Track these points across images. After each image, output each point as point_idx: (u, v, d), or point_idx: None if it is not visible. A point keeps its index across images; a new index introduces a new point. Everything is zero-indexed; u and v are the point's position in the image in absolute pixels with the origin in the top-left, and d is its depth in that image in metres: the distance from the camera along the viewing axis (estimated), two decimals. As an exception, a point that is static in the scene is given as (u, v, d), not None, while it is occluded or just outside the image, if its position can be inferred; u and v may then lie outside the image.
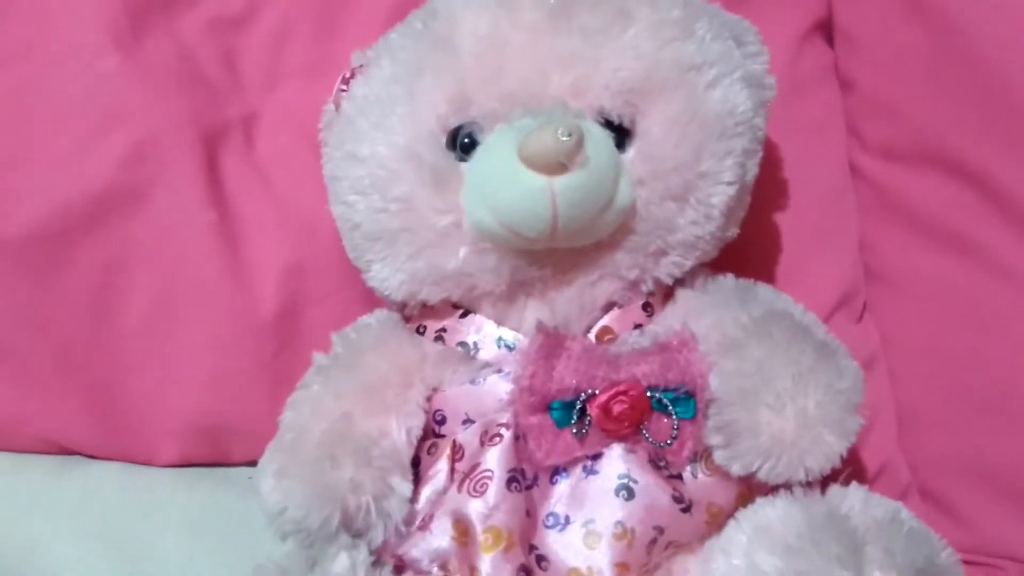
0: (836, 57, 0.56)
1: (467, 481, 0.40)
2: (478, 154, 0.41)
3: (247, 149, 0.53)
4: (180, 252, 0.51)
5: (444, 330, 0.44)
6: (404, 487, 0.41)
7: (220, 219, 0.51)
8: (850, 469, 0.40)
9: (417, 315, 0.45)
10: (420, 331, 0.45)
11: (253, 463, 0.50)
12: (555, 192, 0.38)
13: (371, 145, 0.42)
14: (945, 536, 0.52)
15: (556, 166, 0.37)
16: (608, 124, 0.41)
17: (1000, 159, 0.50)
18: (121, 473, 0.53)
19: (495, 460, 0.40)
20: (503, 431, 0.41)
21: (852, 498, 0.40)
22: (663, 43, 0.41)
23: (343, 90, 0.45)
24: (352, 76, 0.45)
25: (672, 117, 0.41)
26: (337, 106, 0.45)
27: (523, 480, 0.40)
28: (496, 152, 0.40)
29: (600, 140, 0.40)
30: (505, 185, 0.39)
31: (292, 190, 0.52)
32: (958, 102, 0.50)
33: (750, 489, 0.41)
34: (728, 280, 0.46)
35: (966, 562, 0.51)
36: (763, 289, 0.46)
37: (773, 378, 0.38)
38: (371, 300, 0.49)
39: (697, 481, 0.40)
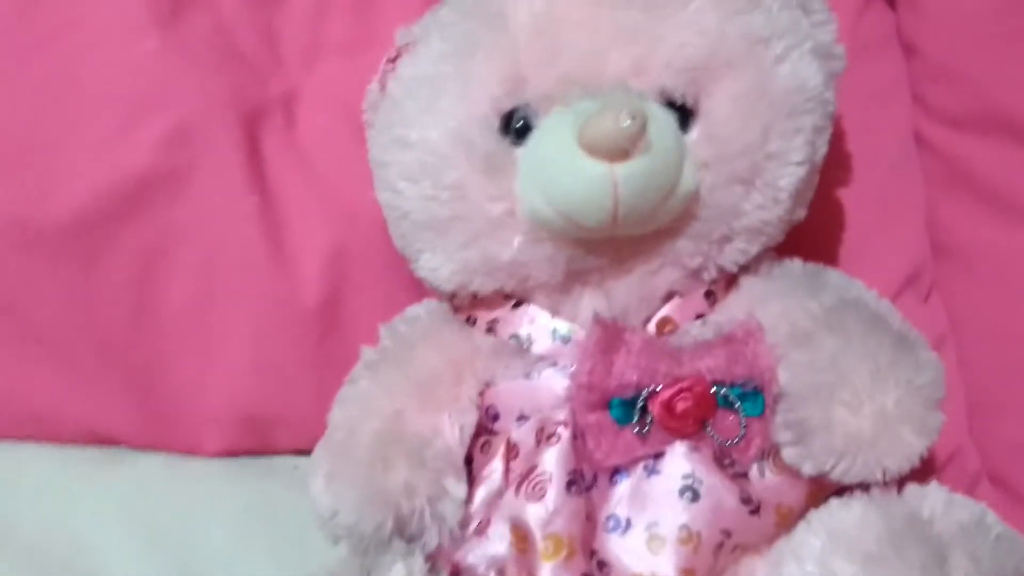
0: (898, 20, 0.54)
1: (524, 484, 0.39)
2: (534, 139, 0.39)
3: (288, 129, 0.51)
4: (222, 236, 0.50)
5: (496, 321, 0.42)
6: (459, 489, 0.40)
7: (263, 202, 0.50)
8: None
9: (467, 305, 0.44)
10: (471, 322, 0.44)
11: (299, 452, 0.51)
12: (617, 180, 0.36)
13: (421, 129, 0.40)
14: (1018, 525, 0.51)
15: (618, 152, 0.36)
16: (670, 104, 0.39)
17: None
18: (166, 465, 0.52)
19: (553, 461, 0.38)
20: (560, 430, 0.39)
21: (933, 499, 0.38)
22: (728, 16, 0.39)
23: (389, 70, 0.43)
24: (398, 55, 0.43)
25: (739, 95, 0.39)
26: (383, 86, 0.43)
27: (582, 482, 0.39)
28: (554, 137, 0.38)
29: (663, 123, 0.38)
30: (563, 173, 0.37)
31: (334, 172, 0.51)
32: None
33: (821, 488, 0.39)
34: (795, 265, 0.44)
35: None
36: (833, 274, 0.44)
37: (849, 373, 0.36)
38: (417, 287, 0.48)
39: (764, 480, 0.38)
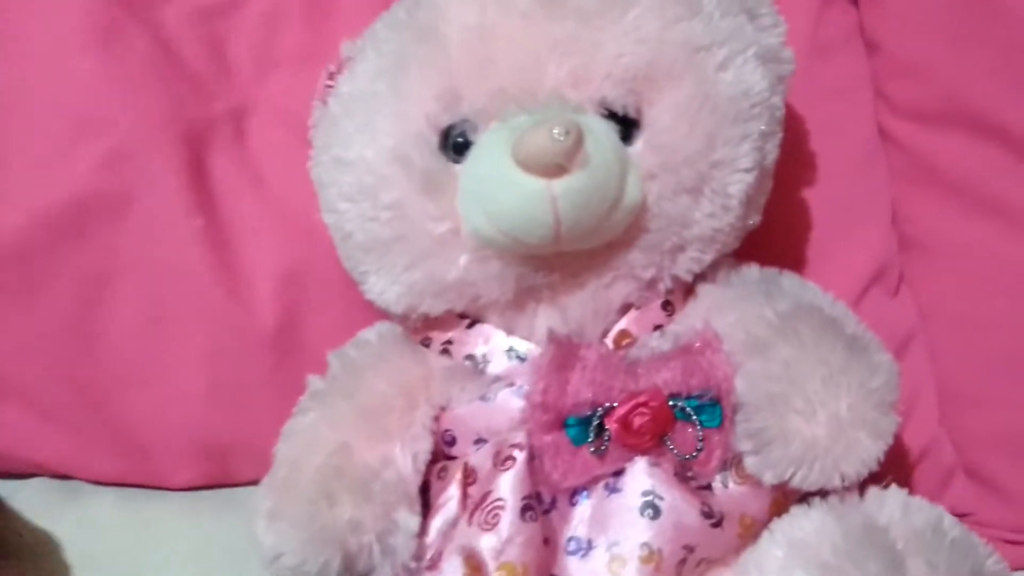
0: (861, 16, 0.53)
1: (478, 512, 0.38)
2: (472, 156, 0.38)
3: (237, 146, 0.50)
4: (168, 261, 0.48)
5: (450, 342, 0.41)
6: (411, 521, 0.38)
7: (209, 223, 0.48)
8: (890, 479, 0.39)
9: (421, 327, 0.42)
10: (425, 343, 0.43)
11: (259, 482, 0.49)
12: (555, 196, 0.35)
13: (358, 148, 0.39)
14: (995, 516, 0.50)
15: (554, 168, 0.35)
16: (612, 116, 0.38)
17: None
18: (120, 501, 0.51)
19: (508, 487, 0.37)
20: (516, 453, 0.38)
21: (891, 505, 0.38)
22: (668, 24, 0.38)
23: (329, 85, 0.42)
24: (338, 70, 0.42)
25: (681, 104, 0.38)
26: (325, 103, 0.42)
27: (539, 506, 0.38)
28: (489, 154, 0.37)
29: (602, 135, 0.37)
30: (500, 190, 0.36)
31: (288, 189, 0.49)
32: (989, 59, 0.48)
33: (784, 496, 0.38)
34: (752, 271, 0.43)
35: (1014, 542, 0.51)
36: (788, 279, 0.43)
37: (802, 381, 0.36)
38: (374, 307, 0.46)
39: (728, 491, 0.38)
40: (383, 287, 0.41)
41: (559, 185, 0.35)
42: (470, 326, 0.41)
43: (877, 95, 0.53)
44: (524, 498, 0.37)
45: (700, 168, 0.38)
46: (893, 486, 0.39)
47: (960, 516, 0.52)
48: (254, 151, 0.50)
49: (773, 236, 0.45)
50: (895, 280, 0.53)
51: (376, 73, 0.40)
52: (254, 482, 0.49)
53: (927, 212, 0.52)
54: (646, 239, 0.39)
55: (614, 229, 0.38)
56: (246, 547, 0.46)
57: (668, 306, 0.41)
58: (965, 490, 0.51)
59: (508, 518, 0.37)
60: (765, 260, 0.44)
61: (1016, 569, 0.50)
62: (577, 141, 0.34)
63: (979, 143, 0.49)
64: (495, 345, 0.40)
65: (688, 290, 0.42)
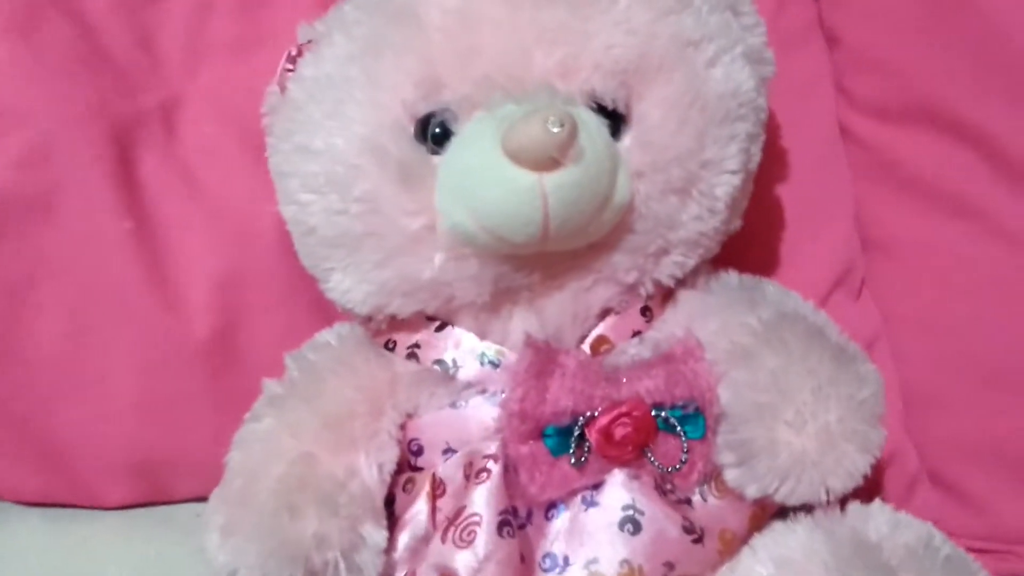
0: (820, 10, 0.53)
1: (452, 529, 0.36)
2: (453, 147, 0.36)
3: (168, 142, 0.48)
4: (94, 266, 0.46)
5: (417, 346, 0.40)
6: (378, 536, 0.36)
7: (138, 226, 0.46)
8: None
9: (385, 328, 0.41)
10: (389, 347, 0.40)
11: (201, 499, 0.46)
12: (546, 191, 0.33)
13: (326, 136, 0.37)
14: (959, 524, 0.50)
15: (547, 161, 0.33)
16: (601, 110, 0.37)
17: (999, 115, 0.47)
18: (47, 522, 0.49)
19: (483, 502, 0.36)
20: (490, 464, 0.36)
21: (878, 520, 0.37)
22: (658, 16, 0.37)
23: (289, 69, 0.40)
24: (299, 54, 0.40)
25: (671, 99, 0.37)
26: (282, 88, 0.40)
27: (515, 520, 0.36)
28: (476, 145, 0.35)
29: (594, 129, 0.36)
30: (488, 184, 0.34)
31: (222, 188, 0.47)
32: (952, 54, 0.48)
33: (763, 510, 0.38)
34: (732, 277, 0.43)
35: (981, 550, 0.51)
36: (770, 286, 0.43)
37: (791, 392, 0.35)
38: (321, 311, 0.45)
39: (707, 505, 0.37)
40: (349, 285, 0.39)
41: (551, 180, 0.33)
42: (439, 328, 0.39)
43: (838, 90, 0.52)
44: (500, 513, 0.36)
45: (689, 168, 0.37)
46: (878, 500, 0.38)
47: (925, 524, 0.51)
48: (186, 147, 0.48)
49: (733, 239, 0.44)
50: (858, 282, 0.52)
51: (346, 57, 0.38)
52: (192, 499, 0.49)
53: (889, 212, 0.51)
54: (631, 241, 0.38)
55: (601, 229, 0.37)
56: (184, 568, 0.45)
57: (647, 312, 0.40)
58: (930, 497, 0.50)
59: (485, 535, 0.35)
60: (725, 263, 0.43)
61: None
62: (572, 133, 0.33)
63: (941, 140, 0.49)
64: (466, 349, 0.39)
65: (668, 296, 0.41)
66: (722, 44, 0.38)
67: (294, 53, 0.40)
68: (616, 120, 0.37)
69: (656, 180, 0.37)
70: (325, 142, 0.37)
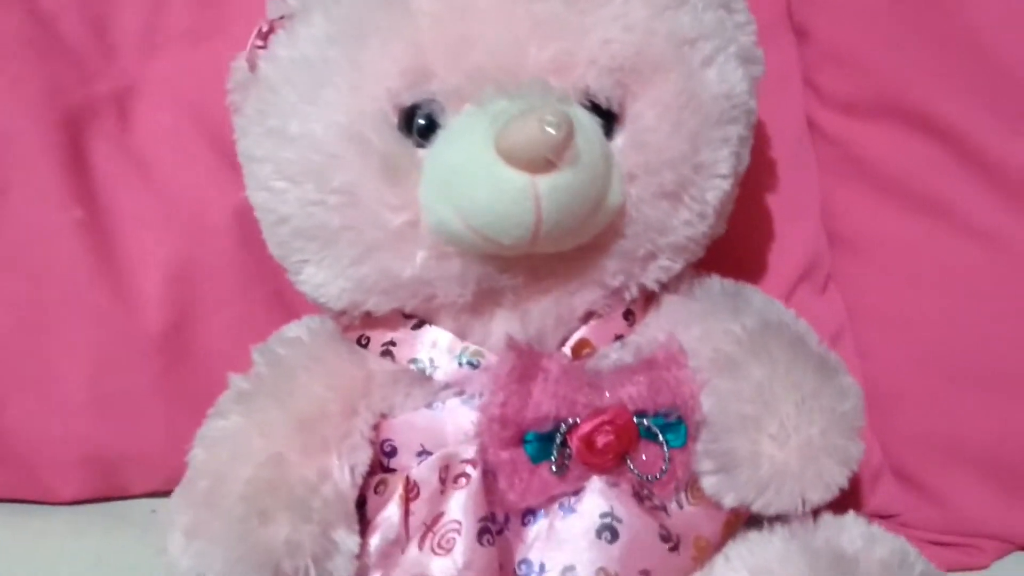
0: (789, 4, 0.52)
1: (430, 535, 0.35)
2: (441, 141, 0.35)
3: (121, 130, 0.47)
4: (44, 257, 0.46)
5: (393, 343, 0.38)
6: (350, 542, 0.35)
7: (89, 215, 0.46)
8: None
9: (359, 324, 0.39)
10: (362, 343, 0.39)
11: (156, 495, 0.48)
12: (539, 193, 0.32)
13: (302, 122, 0.35)
14: (921, 517, 0.50)
15: (541, 163, 0.32)
16: (594, 108, 0.35)
17: (968, 110, 0.47)
18: (2, 517, 0.47)
19: (462, 508, 0.35)
20: (469, 470, 0.35)
21: (852, 532, 0.37)
22: (656, 12, 0.36)
23: (259, 46, 0.38)
24: (271, 30, 0.38)
25: (666, 100, 0.36)
26: (252, 66, 0.38)
27: (494, 527, 0.35)
28: (466, 142, 0.34)
29: (589, 129, 0.34)
30: (479, 184, 0.33)
31: (177, 177, 0.47)
32: (921, 49, 0.48)
33: (737, 517, 0.37)
34: (714, 282, 0.42)
35: (942, 543, 0.51)
36: (752, 293, 0.42)
37: (775, 404, 0.35)
38: (278, 303, 0.44)
39: (682, 512, 0.37)
40: (324, 279, 0.37)
41: (544, 182, 0.32)
42: (416, 326, 0.38)
43: (806, 85, 0.52)
44: (480, 520, 0.35)
45: (682, 172, 0.36)
46: (851, 513, 0.38)
47: (887, 517, 0.52)
48: (139, 136, 0.48)
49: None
50: (823, 277, 0.52)
51: (326, 39, 0.36)
52: (146, 495, 0.49)
53: (855, 207, 0.51)
54: (620, 245, 0.37)
55: (592, 231, 0.36)
56: (140, 564, 0.43)
57: (630, 315, 0.39)
58: (892, 491, 0.51)
59: (464, 542, 0.34)
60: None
61: (943, 571, 0.49)
62: (569, 134, 0.31)
63: (909, 135, 0.49)
64: (444, 349, 0.37)
65: (650, 299, 0.40)
66: (716, 43, 0.37)
67: (265, 29, 0.38)
68: (609, 119, 0.36)
69: (649, 183, 0.36)
70: (301, 128, 0.35)
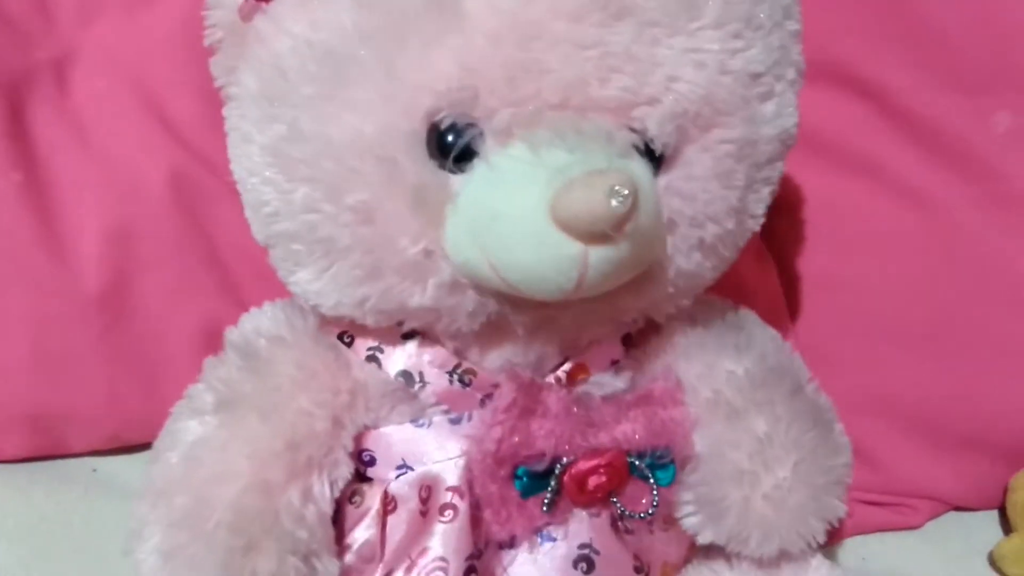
0: None
1: (414, 571, 0.34)
2: (483, 179, 0.30)
3: (59, 96, 0.47)
4: None
5: (380, 349, 0.35)
6: (332, 567, 0.34)
7: (28, 179, 0.46)
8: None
9: (345, 322, 0.36)
10: (345, 341, 0.36)
11: (96, 453, 0.49)
12: (588, 263, 0.29)
13: (317, 120, 0.31)
14: (856, 478, 0.51)
15: (600, 235, 0.28)
16: (646, 150, 0.31)
17: (900, 71, 0.48)
18: None
19: (449, 545, 0.34)
20: (456, 501, 0.34)
21: (817, 574, 0.38)
22: (726, 42, 0.31)
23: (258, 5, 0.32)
24: None
25: (724, 149, 0.32)
26: (247, 17, 0.33)
27: (478, 561, 0.35)
28: (518, 194, 0.29)
29: (647, 188, 0.30)
30: (524, 243, 0.29)
31: (115, 142, 0.47)
32: (852, 12, 0.49)
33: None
34: (716, 306, 0.40)
35: (876, 503, 0.52)
36: (752, 324, 0.40)
37: (774, 464, 0.36)
38: (215, 266, 0.44)
39: (654, 538, 0.37)
40: (319, 289, 0.33)
41: (597, 254, 0.29)
42: (407, 336, 0.35)
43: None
44: (467, 559, 0.34)
45: (726, 225, 0.33)
46: (819, 556, 0.38)
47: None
48: (77, 102, 0.47)
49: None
50: (756, 239, 0.52)
51: (355, 30, 0.30)
52: (88, 454, 0.49)
53: (790, 168, 0.51)
54: (645, 289, 0.33)
55: (622, 282, 0.32)
56: (82, 522, 0.45)
57: (627, 339, 0.38)
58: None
59: None
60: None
61: (875, 531, 0.50)
62: (633, 207, 0.28)
63: (844, 98, 0.49)
64: (435, 364, 0.35)
65: (650, 323, 0.38)
66: (777, 72, 0.33)
67: None
68: (656, 160, 0.32)
69: (689, 235, 0.33)
70: (315, 127, 0.31)
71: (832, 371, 0.50)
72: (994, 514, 0.50)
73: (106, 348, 0.46)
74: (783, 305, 0.52)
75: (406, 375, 0.35)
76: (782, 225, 0.51)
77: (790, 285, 0.52)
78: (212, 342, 0.38)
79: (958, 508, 0.51)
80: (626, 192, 0.27)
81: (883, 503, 0.50)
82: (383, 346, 0.36)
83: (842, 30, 0.48)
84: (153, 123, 0.46)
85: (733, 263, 0.36)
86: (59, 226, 0.46)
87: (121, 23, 0.47)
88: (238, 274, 0.47)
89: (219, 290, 0.47)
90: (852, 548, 0.49)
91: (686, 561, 0.38)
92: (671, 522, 0.37)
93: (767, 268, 0.52)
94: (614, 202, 0.27)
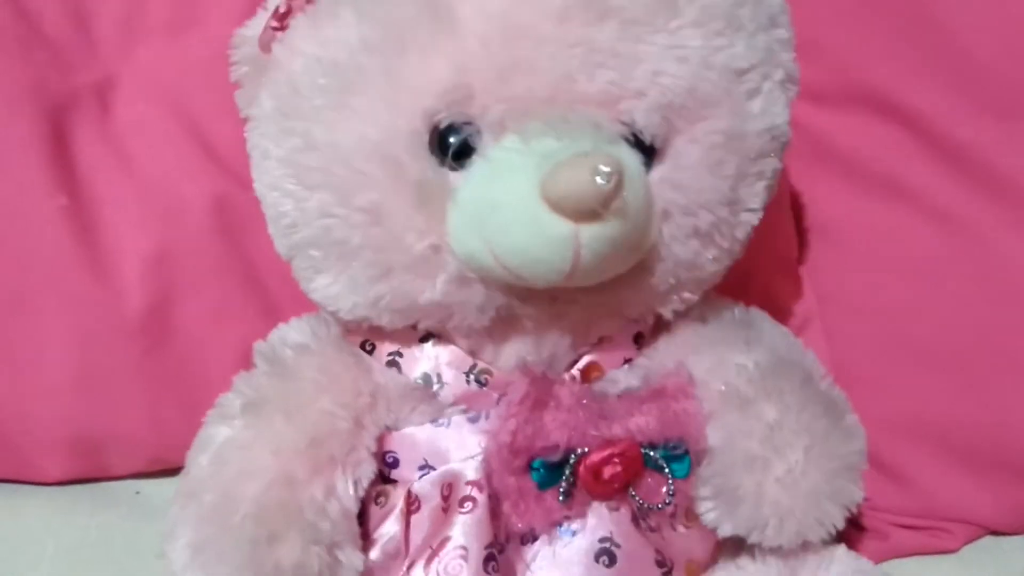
0: None
1: (435, 560, 0.35)
2: (480, 172, 0.32)
3: (102, 120, 0.48)
4: (29, 243, 0.46)
5: (399, 354, 0.37)
6: (356, 560, 0.35)
7: (72, 202, 0.46)
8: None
9: (364, 330, 0.38)
10: (367, 349, 0.38)
11: (139, 476, 0.49)
12: (581, 242, 0.31)
13: (328, 130, 0.33)
14: (890, 501, 0.50)
15: (589, 213, 0.30)
16: (636, 142, 0.33)
17: (932, 96, 0.48)
18: None
19: (469, 534, 0.35)
20: (475, 493, 0.35)
21: (841, 566, 0.38)
22: (709, 39, 0.33)
23: (275, 28, 0.35)
24: (288, 11, 0.35)
25: (712, 139, 0.34)
26: (264, 47, 0.35)
27: (498, 550, 0.35)
28: (511, 181, 0.31)
29: (636, 173, 0.32)
30: (519, 227, 0.31)
31: (156, 165, 0.47)
32: (887, 36, 0.48)
33: (727, 540, 0.38)
34: (726, 307, 0.41)
35: (911, 527, 0.51)
36: (763, 321, 0.42)
37: (785, 448, 0.36)
38: (255, 288, 0.45)
39: (676, 534, 0.37)
40: (337, 292, 0.35)
41: (588, 232, 0.31)
42: (424, 339, 0.37)
43: (775, 73, 0.52)
44: (487, 547, 0.35)
45: (719, 213, 0.35)
46: (843, 546, 0.38)
47: (857, 502, 0.51)
48: (120, 126, 0.48)
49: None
50: (793, 263, 0.53)
51: (359, 43, 0.33)
52: (131, 476, 0.49)
53: (826, 194, 0.51)
54: (645, 280, 0.35)
55: (621, 270, 0.34)
56: (125, 544, 0.46)
57: (640, 338, 0.39)
58: (864, 476, 0.51)
59: (471, 569, 0.34)
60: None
61: (911, 555, 0.49)
62: (619, 185, 0.29)
63: (877, 122, 0.49)
64: (453, 365, 0.37)
65: (661, 322, 0.39)
66: (764, 71, 0.35)
67: (283, 10, 0.35)
68: (649, 152, 0.34)
69: (683, 224, 0.34)
70: (326, 136, 0.33)
71: (867, 394, 0.50)
72: (1031, 539, 0.50)
73: (147, 370, 0.47)
74: (818, 327, 0.52)
75: (424, 377, 0.37)
76: (820, 249, 0.52)
77: (829, 309, 0.51)
78: (252, 365, 0.39)
79: (995, 532, 0.50)
80: (609, 170, 0.29)
81: (919, 527, 0.49)
82: (402, 350, 0.37)
83: (876, 56, 0.48)
84: (194, 147, 0.47)
85: (739, 260, 0.38)
86: (102, 249, 0.47)
87: (163, 47, 0.48)
88: (278, 297, 0.47)
89: (259, 313, 0.47)
90: (888, 572, 0.49)
91: (713, 560, 0.38)
92: (692, 519, 0.37)
93: (801, 290, 0.52)
94: (599, 179, 0.29)
